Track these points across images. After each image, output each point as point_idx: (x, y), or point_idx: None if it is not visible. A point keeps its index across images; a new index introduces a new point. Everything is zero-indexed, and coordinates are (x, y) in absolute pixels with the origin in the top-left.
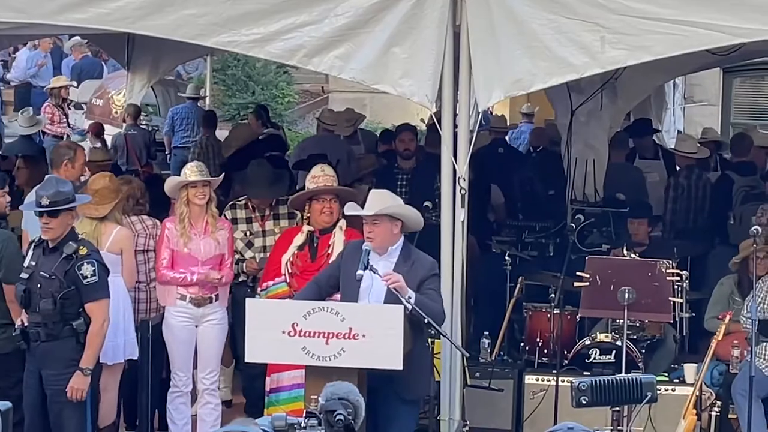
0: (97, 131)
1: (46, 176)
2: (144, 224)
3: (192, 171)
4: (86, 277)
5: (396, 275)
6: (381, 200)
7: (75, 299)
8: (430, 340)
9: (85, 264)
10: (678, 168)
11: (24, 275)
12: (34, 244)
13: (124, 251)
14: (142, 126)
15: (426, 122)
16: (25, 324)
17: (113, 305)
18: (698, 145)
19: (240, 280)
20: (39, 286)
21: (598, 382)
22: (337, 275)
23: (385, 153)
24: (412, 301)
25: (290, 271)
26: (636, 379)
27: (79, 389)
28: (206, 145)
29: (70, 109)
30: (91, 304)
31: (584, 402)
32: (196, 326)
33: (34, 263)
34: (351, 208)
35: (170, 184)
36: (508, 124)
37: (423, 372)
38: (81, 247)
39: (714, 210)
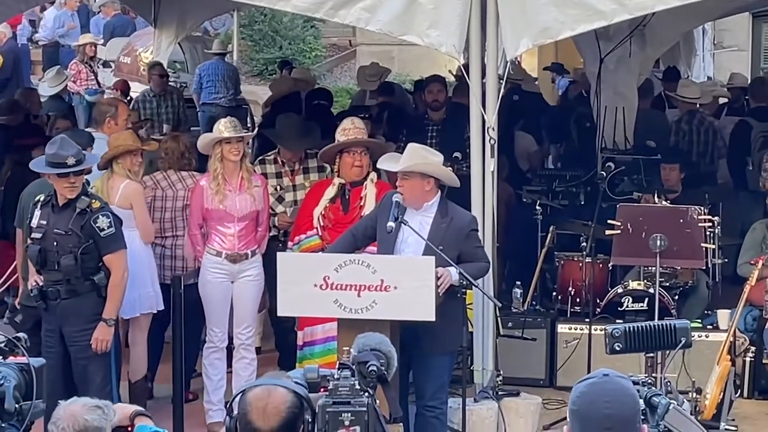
0: (124, 89)
1: (58, 136)
2: (194, 179)
3: (226, 127)
4: (103, 230)
5: (445, 276)
6: (413, 156)
7: (94, 253)
8: (462, 290)
9: (100, 216)
10: (680, 113)
11: (36, 235)
12: (40, 203)
13: (134, 205)
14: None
15: (454, 73)
16: (40, 284)
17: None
18: (701, 89)
19: (271, 234)
20: (55, 243)
21: (631, 328)
22: (373, 226)
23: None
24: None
25: (322, 224)
26: (670, 324)
27: (104, 340)
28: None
29: (98, 67)
30: (110, 255)
31: (618, 348)
32: (232, 282)
33: (45, 222)
34: (385, 162)
35: (204, 140)
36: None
37: (455, 323)
38: (94, 200)
39: (732, 155)
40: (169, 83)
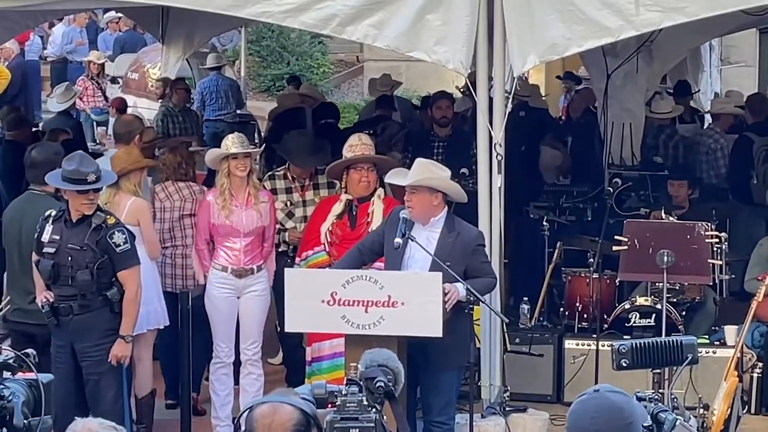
0: (120, 107)
1: (77, 152)
2: (191, 190)
3: (233, 142)
4: (119, 246)
5: (452, 292)
6: (421, 170)
7: (108, 269)
8: (470, 306)
9: (116, 232)
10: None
11: (49, 249)
12: (52, 218)
13: (141, 222)
14: None
15: (461, 89)
16: (51, 300)
17: None
18: (673, 104)
19: (280, 250)
20: (69, 258)
21: (638, 344)
22: (380, 241)
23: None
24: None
25: (329, 240)
26: (677, 341)
27: (123, 356)
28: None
29: (106, 83)
30: (124, 271)
31: (625, 365)
32: (238, 297)
33: (57, 237)
34: (393, 176)
35: (211, 156)
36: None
37: (463, 339)
38: (108, 216)
39: (734, 171)
40: None
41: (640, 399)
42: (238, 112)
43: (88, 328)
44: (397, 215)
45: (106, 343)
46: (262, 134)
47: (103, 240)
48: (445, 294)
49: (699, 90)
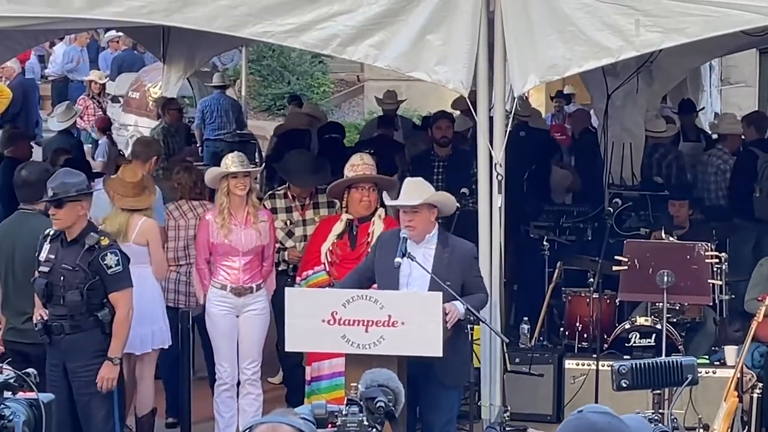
0: (103, 126)
1: (62, 169)
2: (205, 208)
3: (232, 161)
4: (110, 267)
5: (452, 312)
6: (419, 189)
7: (99, 290)
8: (469, 326)
9: (108, 254)
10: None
11: (44, 269)
12: (49, 237)
13: (150, 242)
14: None
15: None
16: (45, 318)
17: (140, 295)
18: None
19: (280, 269)
20: (62, 278)
21: (638, 365)
22: (372, 267)
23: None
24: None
25: (330, 259)
26: (676, 361)
27: (110, 378)
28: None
29: (107, 102)
30: (116, 293)
31: (625, 385)
32: (237, 316)
33: (53, 256)
34: (391, 198)
35: (211, 175)
36: (544, 112)
37: (463, 357)
38: (102, 237)
39: (737, 186)
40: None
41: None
42: (238, 131)
43: (79, 348)
44: (387, 239)
45: (96, 364)
46: (263, 153)
47: (95, 261)
48: (445, 314)
49: (703, 108)
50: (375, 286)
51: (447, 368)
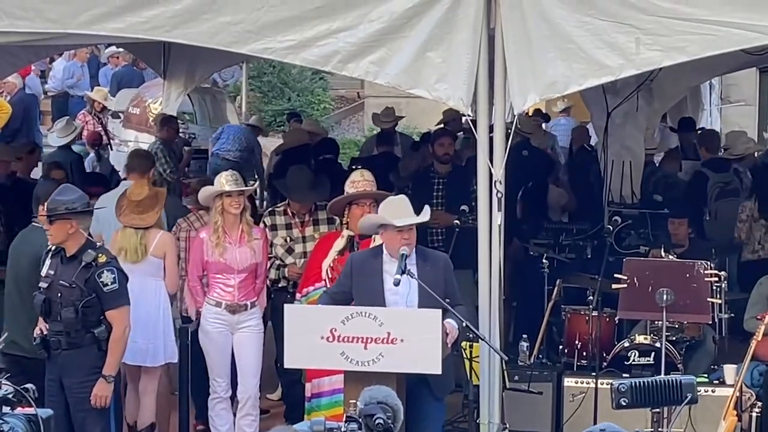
0: (92, 141)
1: (61, 186)
2: (203, 221)
3: (227, 180)
4: (106, 285)
5: (452, 331)
6: (407, 205)
7: (96, 307)
8: (468, 343)
9: (105, 272)
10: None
11: (43, 284)
12: (51, 252)
13: (167, 255)
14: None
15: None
16: (45, 333)
17: (155, 308)
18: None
19: (280, 285)
20: (59, 295)
21: (637, 383)
22: (347, 290)
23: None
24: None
25: (330, 276)
26: (675, 380)
27: (103, 396)
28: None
29: (107, 118)
30: (112, 311)
31: (624, 404)
32: (232, 333)
33: (52, 272)
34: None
35: (204, 193)
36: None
37: (447, 369)
38: (100, 254)
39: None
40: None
41: None
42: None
43: (75, 365)
44: (361, 261)
45: (92, 381)
46: (265, 169)
47: (91, 278)
48: (446, 334)
49: (703, 128)
50: None
51: (440, 381)
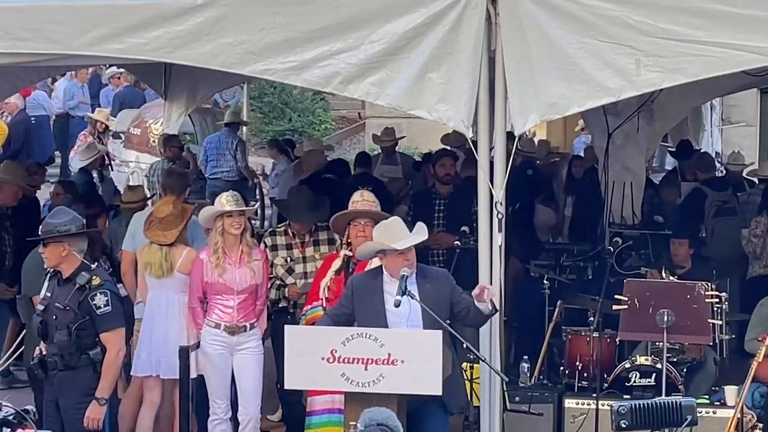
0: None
1: (57, 208)
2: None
3: (227, 200)
4: (99, 308)
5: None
6: (402, 227)
7: (90, 329)
8: (469, 364)
9: (98, 294)
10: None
11: (40, 307)
12: (49, 275)
13: (192, 272)
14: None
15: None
16: (44, 353)
17: (177, 323)
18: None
19: (281, 306)
20: (54, 317)
21: (637, 405)
22: (348, 312)
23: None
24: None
25: (326, 295)
26: (675, 402)
27: (96, 419)
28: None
29: (108, 138)
30: (105, 334)
31: (624, 426)
32: (231, 355)
33: (49, 294)
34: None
35: (205, 214)
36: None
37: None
38: (94, 277)
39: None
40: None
41: None
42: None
43: (70, 386)
44: (361, 282)
45: (87, 402)
46: (265, 194)
47: (85, 301)
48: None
49: (701, 149)
50: None
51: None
